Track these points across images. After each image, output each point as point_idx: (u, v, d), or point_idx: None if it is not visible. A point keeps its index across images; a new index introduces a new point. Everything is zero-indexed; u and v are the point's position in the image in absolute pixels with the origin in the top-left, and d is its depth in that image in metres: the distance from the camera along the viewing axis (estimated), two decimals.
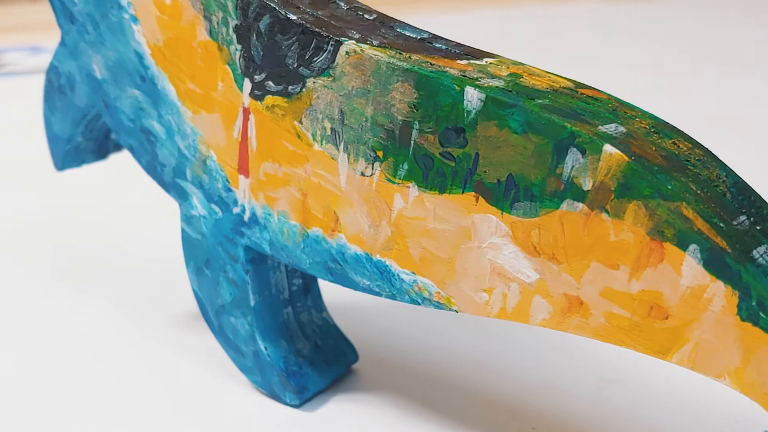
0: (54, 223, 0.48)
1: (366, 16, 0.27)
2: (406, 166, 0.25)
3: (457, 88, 0.23)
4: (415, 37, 0.26)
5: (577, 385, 0.33)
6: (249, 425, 0.31)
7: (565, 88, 0.24)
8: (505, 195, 0.23)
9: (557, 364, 0.34)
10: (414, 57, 0.25)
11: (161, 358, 0.35)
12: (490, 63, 0.25)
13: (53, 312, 0.38)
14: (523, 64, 0.25)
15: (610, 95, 0.24)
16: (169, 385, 0.33)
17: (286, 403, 0.32)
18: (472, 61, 0.25)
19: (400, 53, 0.25)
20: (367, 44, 0.25)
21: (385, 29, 0.27)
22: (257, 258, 0.31)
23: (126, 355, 0.35)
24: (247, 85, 0.28)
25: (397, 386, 0.33)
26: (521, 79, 0.24)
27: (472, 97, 0.23)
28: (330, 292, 0.35)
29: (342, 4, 0.28)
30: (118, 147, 0.39)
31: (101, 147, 0.39)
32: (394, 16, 0.27)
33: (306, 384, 0.32)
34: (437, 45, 0.26)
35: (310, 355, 0.33)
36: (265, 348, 0.32)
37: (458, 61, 0.25)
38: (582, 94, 0.23)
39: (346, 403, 0.32)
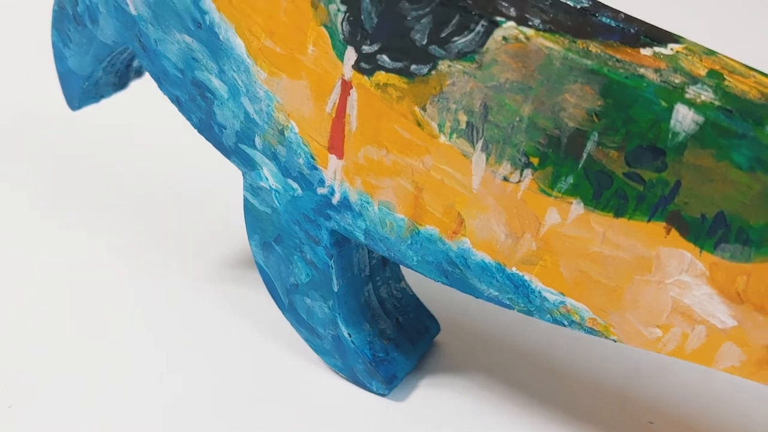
0: (60, 130, 0.39)
1: None
2: (570, 180, 0.21)
3: (663, 104, 0.18)
4: (575, 6, 0.21)
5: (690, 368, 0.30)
6: (338, 414, 0.28)
7: None
8: (709, 233, 0.19)
9: None
10: (594, 49, 0.20)
11: (211, 322, 0.31)
12: (679, 52, 0.20)
13: (59, 246, 0.33)
14: (714, 53, 0.20)
15: None
16: (229, 362, 0.29)
17: (372, 392, 0.29)
18: (656, 50, 0.20)
19: (574, 41, 0.20)
20: (530, 27, 0.20)
21: None
22: (341, 240, 0.27)
23: (165, 314, 0.30)
24: (351, 54, 0.23)
25: (486, 361, 0.30)
26: (726, 82, 0.19)
27: (685, 119, 0.18)
28: None
29: None
30: (139, 73, 0.33)
31: (122, 78, 0.32)
32: None
33: (395, 371, 0.29)
34: (605, 20, 0.21)
35: (395, 336, 0.29)
36: (349, 335, 0.28)
37: (642, 51, 0.20)
38: None
39: (434, 388, 0.29)
